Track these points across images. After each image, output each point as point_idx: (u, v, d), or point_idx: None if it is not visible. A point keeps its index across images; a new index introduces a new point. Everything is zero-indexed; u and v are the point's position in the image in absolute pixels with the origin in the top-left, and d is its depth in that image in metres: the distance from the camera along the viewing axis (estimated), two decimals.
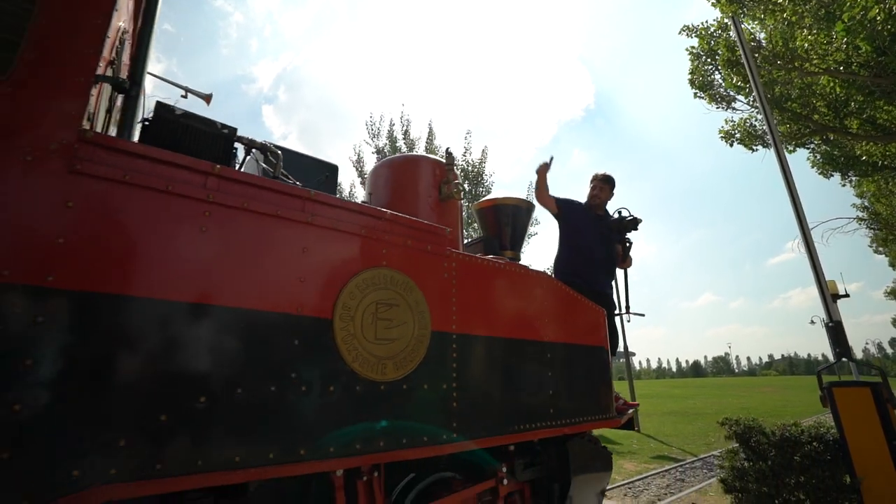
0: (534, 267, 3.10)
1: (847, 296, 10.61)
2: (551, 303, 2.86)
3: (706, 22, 10.79)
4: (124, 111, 1.74)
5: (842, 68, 8.84)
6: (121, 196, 1.46)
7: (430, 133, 16.33)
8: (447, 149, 3.35)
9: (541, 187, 4.20)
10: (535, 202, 4.56)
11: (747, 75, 6.34)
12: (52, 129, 1.38)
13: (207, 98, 3.12)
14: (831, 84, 9.26)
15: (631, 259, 4.19)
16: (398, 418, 1.95)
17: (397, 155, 3.38)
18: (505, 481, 2.75)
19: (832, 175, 13.34)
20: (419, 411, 2.03)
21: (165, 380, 1.43)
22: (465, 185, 15.50)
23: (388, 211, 2.14)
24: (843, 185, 14.02)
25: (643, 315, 4.24)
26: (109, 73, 1.77)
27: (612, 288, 4.02)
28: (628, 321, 4.24)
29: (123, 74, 2.14)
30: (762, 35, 10.03)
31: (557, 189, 4.37)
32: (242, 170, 2.21)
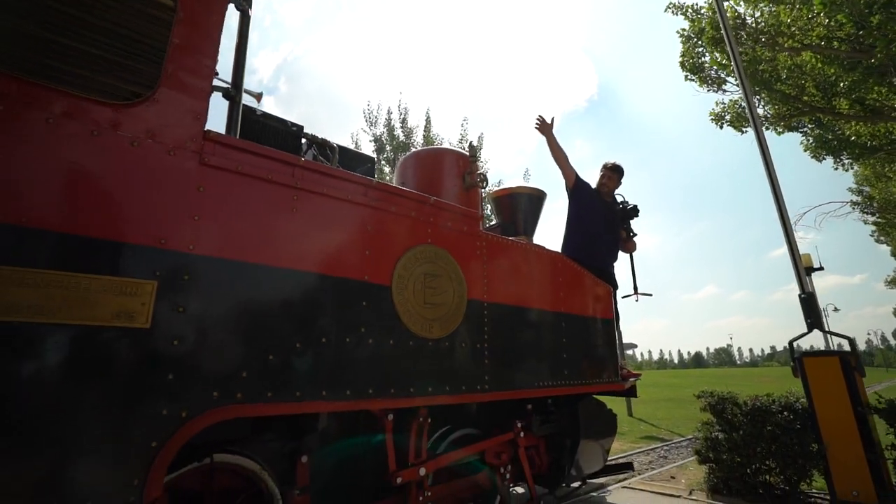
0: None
1: (821, 268, 10.87)
2: (566, 279, 3.26)
3: (695, 3, 10.80)
4: (230, 113, 2.12)
5: (823, 43, 8.83)
6: (236, 183, 1.84)
7: (428, 121, 16.49)
8: (470, 142, 3.71)
9: (555, 149, 4.32)
10: (547, 192, 4.92)
11: (729, 52, 6.38)
12: (187, 130, 1.76)
13: (258, 96, 3.48)
14: (816, 61, 9.28)
15: (635, 244, 4.55)
16: (442, 370, 2.35)
17: (424, 148, 3.74)
18: (522, 434, 3.16)
19: (824, 158, 13.34)
20: (459, 365, 2.44)
21: (271, 328, 1.83)
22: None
23: (433, 197, 2.52)
24: (836, 169, 13.91)
25: (651, 295, 4.60)
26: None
27: (614, 268, 4.37)
28: (636, 301, 4.58)
29: None
30: (746, 11, 10.01)
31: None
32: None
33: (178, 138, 1.73)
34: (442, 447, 2.94)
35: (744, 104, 11.80)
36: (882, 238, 25.47)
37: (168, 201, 1.68)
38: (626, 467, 4.42)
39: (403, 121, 16.31)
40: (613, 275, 4.26)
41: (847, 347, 4.18)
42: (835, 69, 9.32)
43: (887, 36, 7.47)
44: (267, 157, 1.96)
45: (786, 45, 9.46)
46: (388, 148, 15.40)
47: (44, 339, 1.38)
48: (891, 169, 14.42)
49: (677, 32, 11.50)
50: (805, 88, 10.53)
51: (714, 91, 12.06)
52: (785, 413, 3.89)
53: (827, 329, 4.53)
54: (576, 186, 4.41)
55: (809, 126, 12.38)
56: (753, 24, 9.80)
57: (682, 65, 11.83)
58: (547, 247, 3.50)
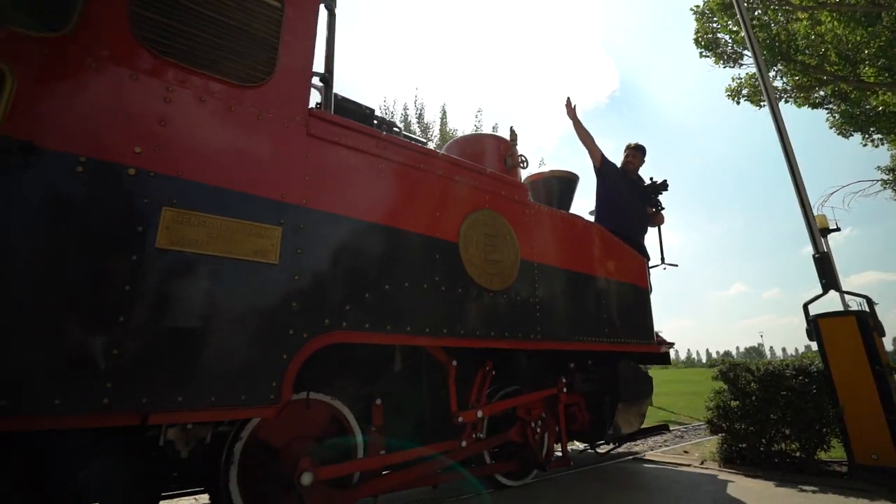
0: None
1: (838, 229, 10.44)
2: (604, 247, 3.54)
3: None
4: (325, 95, 2.49)
5: (838, 0, 8.44)
6: (334, 152, 2.21)
7: (444, 117, 16.79)
8: (511, 127, 4.03)
9: (580, 130, 4.58)
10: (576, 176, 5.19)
11: (738, 17, 5.99)
12: (296, 107, 2.13)
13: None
14: (836, 25, 8.80)
15: (663, 217, 4.79)
16: (502, 317, 2.68)
17: (467, 134, 4.07)
18: (565, 390, 3.45)
19: (852, 135, 12.69)
20: (515, 315, 2.75)
21: (366, 271, 2.18)
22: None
23: (489, 169, 2.85)
24: (865, 146, 13.08)
25: (677, 266, 4.82)
26: None
27: (644, 240, 4.62)
28: (664, 269, 4.80)
29: None
30: None
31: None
32: None
33: (290, 114, 2.10)
34: (497, 397, 3.26)
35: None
36: None
37: (285, 164, 2.05)
38: (662, 429, 4.63)
39: (420, 116, 16.59)
40: (644, 246, 4.52)
41: (865, 307, 3.94)
42: (860, 34, 8.88)
43: None
44: (358, 131, 2.32)
45: (802, 4, 9.13)
46: None
47: (201, 265, 1.75)
48: None
49: (691, 10, 11.48)
50: (827, 57, 10.15)
51: (730, 66, 11.78)
52: (800, 377, 3.73)
53: (841, 288, 4.29)
54: (603, 165, 4.69)
55: (833, 101, 11.91)
56: None
57: (697, 41, 11.75)
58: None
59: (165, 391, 1.61)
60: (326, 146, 2.19)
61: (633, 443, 4.75)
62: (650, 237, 4.76)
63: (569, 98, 4.58)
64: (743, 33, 7.16)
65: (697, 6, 11.30)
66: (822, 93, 11.87)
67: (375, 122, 2.95)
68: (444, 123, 16.54)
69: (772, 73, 11.32)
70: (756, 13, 10.28)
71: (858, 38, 9.14)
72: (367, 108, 2.77)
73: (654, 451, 4.96)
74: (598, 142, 4.69)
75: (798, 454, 3.66)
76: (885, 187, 15.36)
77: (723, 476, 3.63)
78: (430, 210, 2.49)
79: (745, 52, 11.34)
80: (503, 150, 3.96)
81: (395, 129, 2.99)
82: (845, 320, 3.77)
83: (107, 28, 1.73)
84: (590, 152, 4.72)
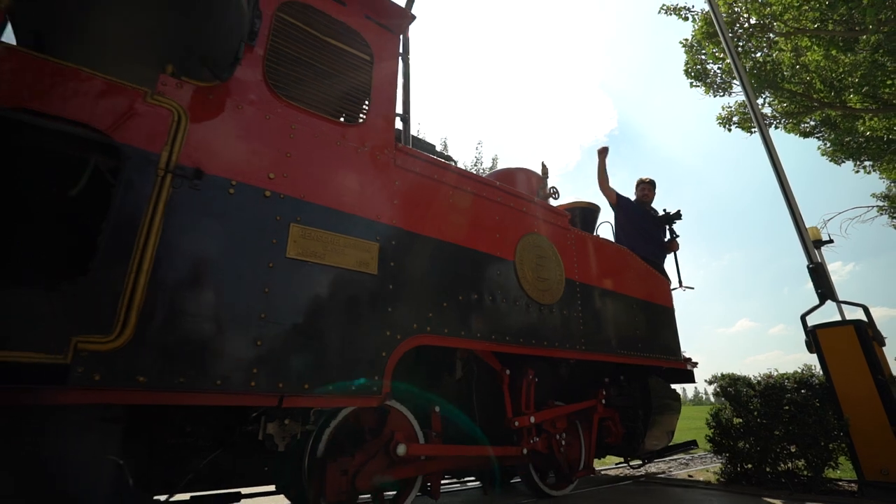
0: None
1: (830, 241, 10.43)
2: (634, 269, 3.87)
3: (688, 3, 11.21)
4: (404, 132, 2.88)
5: (817, 26, 8.82)
6: (414, 180, 2.57)
7: (445, 148, 17.62)
8: (542, 162, 4.43)
9: (602, 174, 5.08)
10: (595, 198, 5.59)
11: (723, 45, 6.33)
12: (385, 141, 2.51)
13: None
14: (817, 53, 9.17)
15: (677, 244, 5.16)
16: (551, 328, 2.97)
17: (504, 168, 4.47)
18: (603, 401, 3.69)
19: (844, 162, 12.79)
20: (562, 327, 3.04)
21: (443, 284, 2.49)
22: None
23: (537, 199, 3.21)
24: (857, 172, 13.28)
25: (693, 288, 5.12)
26: None
27: (663, 264, 4.96)
28: (683, 291, 5.10)
29: None
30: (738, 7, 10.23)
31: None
32: None
33: (381, 148, 2.48)
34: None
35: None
36: None
37: (378, 190, 2.40)
38: (690, 445, 4.78)
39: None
40: (664, 270, 4.85)
41: (862, 317, 3.82)
42: (842, 64, 9.27)
43: (875, 4, 7.35)
44: (433, 163, 2.69)
45: (784, 31, 9.53)
46: None
47: (319, 273, 2.07)
48: None
49: (680, 43, 12.00)
50: (812, 85, 10.50)
51: (720, 96, 12.24)
52: (802, 390, 3.62)
53: (837, 298, 4.20)
54: (619, 201, 5.17)
55: (824, 131, 12.17)
56: (745, 15, 9.94)
57: (687, 73, 12.18)
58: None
59: (295, 380, 1.89)
60: (409, 175, 2.56)
61: (660, 459, 4.89)
62: (668, 261, 5.08)
63: (606, 147, 5.09)
64: (729, 60, 7.59)
65: (686, 39, 11.83)
66: (811, 122, 12.23)
67: (437, 154, 3.34)
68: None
69: (760, 101, 11.74)
70: (741, 43, 10.86)
71: (841, 69, 9.56)
72: (429, 143, 3.15)
73: (659, 475, 4.83)
74: None
75: (805, 473, 3.51)
76: (880, 213, 15.33)
77: (727, 498, 3.36)
78: (491, 232, 2.83)
79: (734, 80, 11.76)
80: (536, 183, 4.35)
81: (453, 161, 3.37)
82: (844, 330, 3.68)
83: (250, 79, 2.12)
84: (605, 194, 5.20)
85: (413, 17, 2.83)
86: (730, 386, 4.02)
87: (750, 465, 3.69)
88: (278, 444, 2.15)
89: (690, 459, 6.77)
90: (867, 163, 13.11)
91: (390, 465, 2.39)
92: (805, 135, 12.75)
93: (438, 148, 17.64)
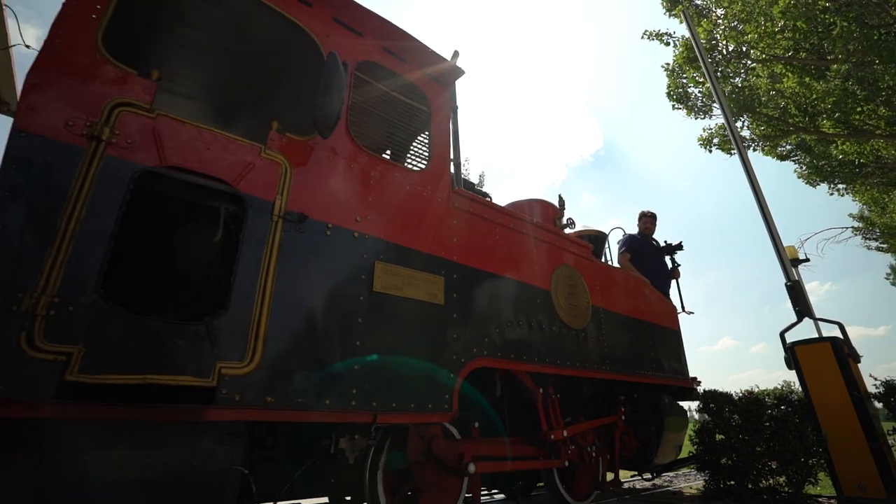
0: None
1: (807, 260, 10.71)
2: (647, 296, 4.23)
3: (669, 30, 11.88)
4: (455, 175, 3.19)
5: (790, 54, 9.37)
6: (468, 219, 2.88)
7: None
8: (559, 195, 4.80)
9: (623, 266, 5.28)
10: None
11: (703, 69, 6.65)
12: (444, 186, 2.83)
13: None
14: (790, 79, 9.68)
15: (679, 272, 5.57)
16: (582, 351, 3.28)
17: (521, 199, 4.83)
18: (623, 418, 4.00)
19: (819, 184, 13.51)
20: (590, 350, 3.37)
21: (496, 312, 2.80)
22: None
23: (567, 234, 3.56)
24: (831, 194, 14.16)
25: (693, 313, 5.52)
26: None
27: (669, 291, 5.36)
28: (687, 315, 5.48)
29: None
30: (717, 31, 10.79)
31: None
32: None
33: (441, 191, 2.80)
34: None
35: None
36: None
37: (440, 228, 2.71)
38: (692, 459, 5.11)
39: None
40: (669, 296, 5.24)
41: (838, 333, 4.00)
42: (815, 91, 9.84)
43: (843, 36, 7.81)
44: (482, 203, 3.02)
45: (760, 57, 10.13)
46: None
47: (399, 304, 2.35)
48: (890, 199, 14.46)
49: (662, 67, 12.54)
50: (787, 110, 11.13)
51: (701, 118, 12.76)
52: (782, 407, 3.71)
53: (814, 315, 4.35)
54: (628, 248, 5.43)
55: (800, 154, 12.82)
56: (724, 42, 10.51)
57: (669, 95, 12.67)
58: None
59: (385, 399, 2.15)
60: (464, 215, 2.87)
61: (667, 473, 5.20)
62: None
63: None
64: (709, 84, 7.99)
65: (668, 63, 12.39)
66: (788, 146, 12.91)
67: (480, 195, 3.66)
68: None
69: (739, 124, 12.30)
70: (720, 69, 11.48)
71: (814, 96, 10.14)
72: (471, 182, 3.48)
73: (644, 493, 4.79)
74: (586, 198, 5.60)
75: (786, 489, 3.54)
76: (854, 234, 16.14)
77: None
78: (531, 264, 3.15)
79: (713, 104, 12.28)
80: (552, 214, 4.72)
81: (488, 196, 3.71)
82: (821, 347, 3.81)
83: (337, 132, 2.42)
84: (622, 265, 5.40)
85: (462, 72, 3.18)
86: (710, 400, 4.10)
87: (732, 482, 3.71)
88: (349, 456, 2.40)
89: (674, 477, 6.55)
90: (840, 186, 13.83)
91: (446, 474, 2.64)
92: (782, 158, 13.38)
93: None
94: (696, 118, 13.00)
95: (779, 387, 4.05)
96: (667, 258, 5.67)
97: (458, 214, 2.84)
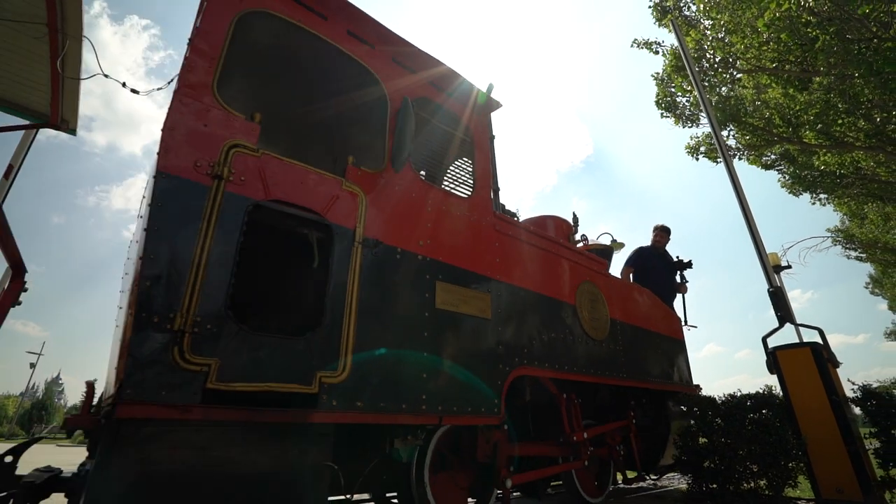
0: None
1: (789, 267, 10.85)
2: (656, 309, 4.59)
3: (657, 38, 12.27)
4: (494, 201, 3.49)
5: (775, 66, 9.64)
6: (509, 241, 3.19)
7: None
8: (573, 212, 5.15)
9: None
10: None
11: (690, 78, 6.87)
12: (488, 211, 3.13)
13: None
14: (775, 90, 10.01)
15: (686, 287, 5.95)
16: (603, 360, 3.61)
17: (537, 216, 5.16)
18: (635, 421, 4.34)
19: (801, 194, 13.96)
20: (610, 359, 3.70)
21: (533, 324, 3.10)
22: None
23: (588, 252, 3.89)
24: (813, 204, 14.50)
25: (696, 327, 5.90)
26: None
27: (674, 304, 5.72)
28: (689, 330, 5.86)
29: None
30: (705, 40, 11.05)
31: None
32: None
33: (486, 215, 3.10)
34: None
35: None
36: (877, 291, 25.43)
37: (485, 250, 3.01)
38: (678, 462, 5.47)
39: None
40: (675, 309, 5.61)
41: (817, 339, 4.06)
42: (798, 103, 10.14)
43: (825, 50, 8.05)
44: (519, 226, 3.33)
45: (746, 67, 10.44)
46: None
47: (456, 319, 2.64)
48: (870, 209, 14.91)
49: (651, 76, 12.87)
50: (772, 120, 11.50)
51: (689, 126, 13.10)
52: (763, 410, 3.76)
53: (795, 321, 4.42)
54: (633, 263, 5.80)
55: (784, 164, 13.21)
56: (711, 52, 10.79)
57: (658, 104, 13.02)
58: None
59: (449, 403, 2.44)
60: (504, 237, 3.18)
61: (667, 474, 5.56)
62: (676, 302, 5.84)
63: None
64: (696, 93, 8.16)
65: (657, 73, 12.75)
66: (772, 155, 13.31)
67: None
68: None
69: (724, 133, 12.67)
70: (707, 78, 11.77)
71: (797, 107, 10.46)
72: (502, 204, 3.79)
73: (629, 496, 4.74)
74: (575, 203, 5.91)
75: (766, 492, 3.60)
76: (835, 244, 16.58)
77: None
78: (559, 280, 3.47)
79: (701, 112, 12.63)
80: (567, 231, 5.06)
81: (515, 216, 4.02)
82: (801, 352, 3.90)
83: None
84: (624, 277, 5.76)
85: (499, 105, 3.49)
86: (694, 405, 4.16)
87: (714, 485, 3.78)
88: (403, 456, 2.68)
89: (657, 479, 6.11)
90: (822, 195, 14.28)
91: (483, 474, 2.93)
92: (766, 167, 13.81)
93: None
94: (683, 126, 13.33)
95: (760, 390, 4.13)
96: (675, 276, 6.05)
97: (500, 237, 3.14)
